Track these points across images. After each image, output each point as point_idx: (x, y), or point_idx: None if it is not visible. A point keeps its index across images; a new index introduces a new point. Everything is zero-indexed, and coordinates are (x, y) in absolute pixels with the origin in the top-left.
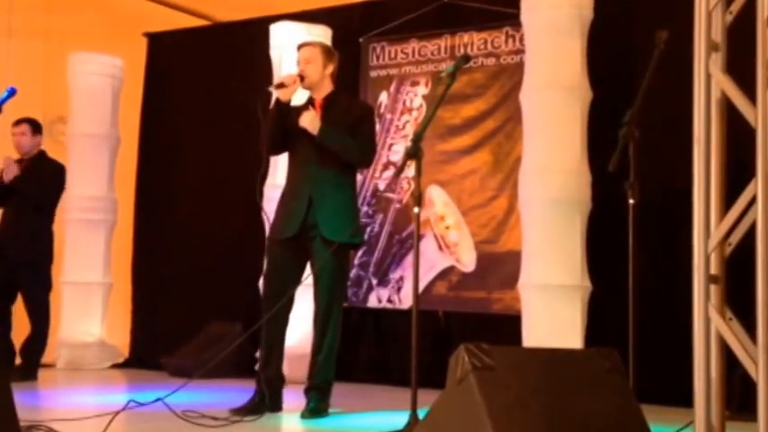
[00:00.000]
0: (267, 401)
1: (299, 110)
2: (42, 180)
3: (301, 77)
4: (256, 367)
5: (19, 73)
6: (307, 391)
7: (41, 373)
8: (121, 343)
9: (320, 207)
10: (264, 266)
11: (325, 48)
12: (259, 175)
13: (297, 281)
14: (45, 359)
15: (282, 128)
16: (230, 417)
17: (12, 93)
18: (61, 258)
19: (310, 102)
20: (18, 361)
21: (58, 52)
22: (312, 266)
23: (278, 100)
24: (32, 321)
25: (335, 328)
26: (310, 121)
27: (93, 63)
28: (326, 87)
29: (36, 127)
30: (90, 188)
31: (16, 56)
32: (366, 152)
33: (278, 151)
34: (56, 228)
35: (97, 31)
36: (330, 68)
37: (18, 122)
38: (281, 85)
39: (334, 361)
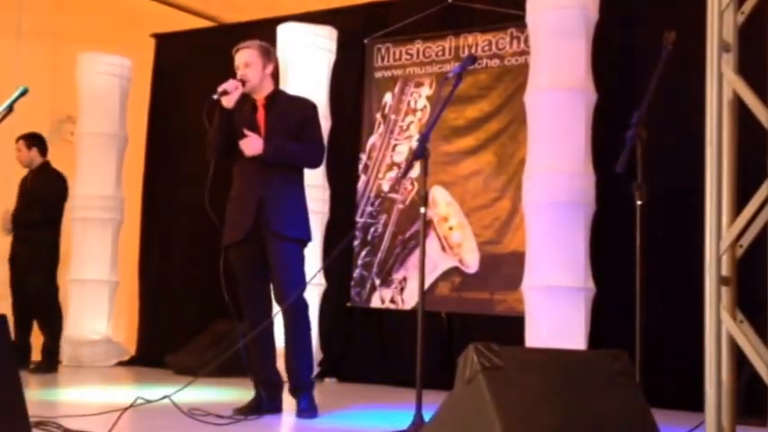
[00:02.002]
0: (266, 403)
1: (242, 112)
2: (40, 198)
3: (243, 82)
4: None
5: (28, 73)
6: (292, 393)
7: None
8: (127, 341)
9: (271, 207)
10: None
11: (261, 48)
12: (208, 181)
13: (264, 279)
14: None
15: (228, 134)
16: (233, 416)
17: (23, 93)
18: (68, 256)
19: (252, 104)
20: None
21: (66, 52)
22: (269, 266)
23: (221, 107)
24: (44, 322)
25: (302, 326)
26: (254, 147)
27: (102, 63)
28: (267, 87)
29: (30, 141)
30: (98, 187)
31: (26, 56)
32: (313, 155)
33: (226, 157)
34: (64, 226)
35: (106, 31)
36: (270, 68)
37: (16, 139)
38: (224, 93)
39: (310, 358)
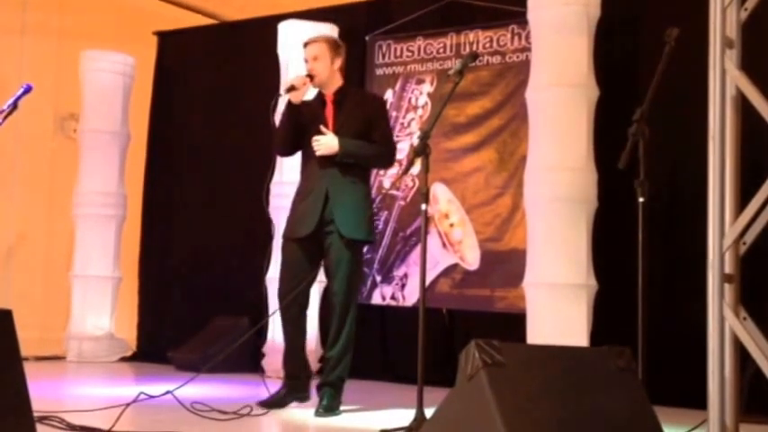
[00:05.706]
0: (293, 394)
1: (310, 106)
2: None
3: (311, 76)
4: (263, 362)
5: (32, 70)
6: (320, 388)
7: (53, 365)
8: (129, 336)
9: (337, 204)
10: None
11: (331, 42)
12: (269, 175)
13: (311, 278)
14: (55, 352)
15: (296, 129)
16: (257, 408)
17: (27, 90)
18: (72, 253)
19: (321, 99)
20: None
21: (70, 50)
22: (326, 262)
23: (289, 102)
24: None
25: (352, 324)
26: (328, 146)
27: (105, 61)
28: (336, 82)
29: None
30: (101, 184)
31: (30, 53)
32: (386, 157)
33: (293, 151)
34: (67, 222)
35: (109, 29)
36: (338, 62)
37: None
38: (291, 88)
39: (349, 357)
